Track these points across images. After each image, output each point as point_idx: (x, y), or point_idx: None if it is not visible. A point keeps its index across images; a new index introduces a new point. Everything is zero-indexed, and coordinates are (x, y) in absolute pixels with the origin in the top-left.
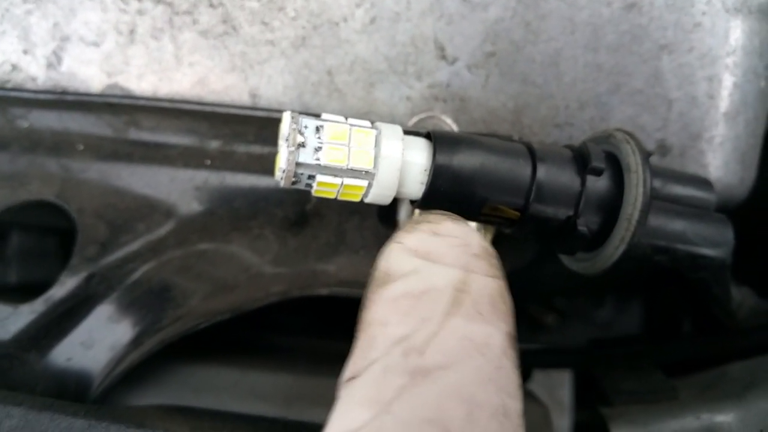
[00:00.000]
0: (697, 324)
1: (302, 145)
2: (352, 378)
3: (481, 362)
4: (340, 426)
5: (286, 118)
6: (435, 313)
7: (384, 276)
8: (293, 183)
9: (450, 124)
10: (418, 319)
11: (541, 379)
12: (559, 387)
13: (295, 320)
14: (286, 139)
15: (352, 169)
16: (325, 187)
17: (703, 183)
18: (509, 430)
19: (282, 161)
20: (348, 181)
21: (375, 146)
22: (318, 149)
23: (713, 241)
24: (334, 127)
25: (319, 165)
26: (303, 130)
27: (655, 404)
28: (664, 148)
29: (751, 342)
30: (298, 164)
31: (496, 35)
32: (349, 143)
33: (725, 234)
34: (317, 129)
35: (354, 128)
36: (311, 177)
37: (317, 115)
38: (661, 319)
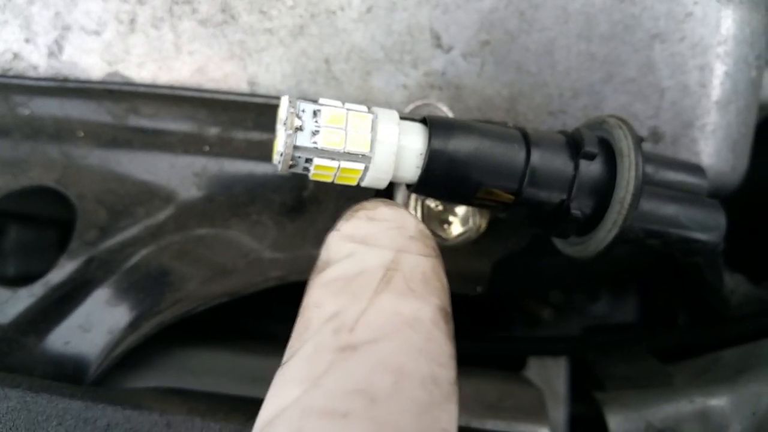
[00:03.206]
0: (692, 318)
1: (300, 128)
2: (288, 359)
3: (409, 334)
4: (273, 403)
5: (284, 102)
6: (365, 291)
7: (323, 264)
8: (291, 167)
9: (446, 112)
10: (349, 298)
11: (536, 368)
12: (554, 376)
13: (292, 309)
14: (284, 123)
15: (348, 153)
16: (322, 170)
17: (696, 169)
18: (438, 397)
19: (280, 144)
20: (345, 164)
21: (371, 130)
22: (315, 133)
23: (706, 226)
24: (332, 111)
25: (317, 148)
26: (300, 114)
27: (649, 389)
28: (656, 136)
29: (743, 328)
30: (295, 147)
31: (491, 24)
32: (346, 127)
33: (717, 219)
34: (315, 113)
35: (351, 112)
36: (308, 160)
37: (315, 101)
38: (656, 313)
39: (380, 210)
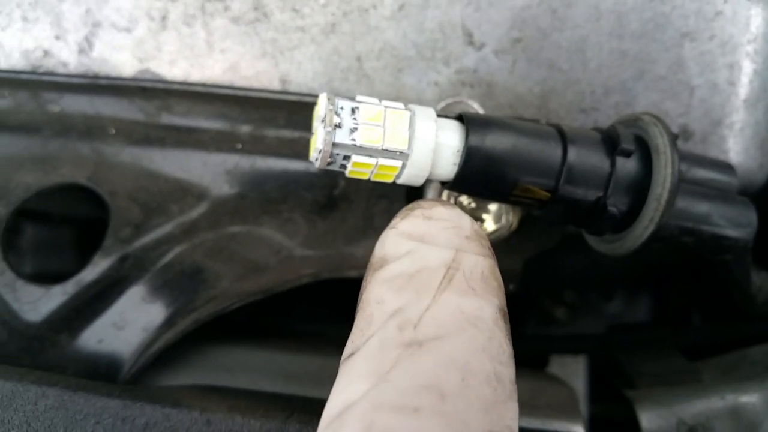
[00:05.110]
0: (707, 317)
1: (338, 125)
2: (352, 354)
3: (473, 333)
4: (341, 398)
5: (323, 99)
6: (428, 289)
7: (380, 260)
8: (329, 164)
9: (477, 109)
10: (412, 295)
11: (556, 365)
12: (574, 373)
13: (323, 310)
14: (323, 120)
15: (386, 150)
16: (360, 167)
17: (726, 167)
18: (502, 394)
19: (319, 142)
20: (382, 161)
21: (409, 127)
22: (354, 130)
23: (737, 223)
24: (370, 108)
25: (355, 145)
26: (339, 111)
27: (679, 385)
28: (686, 134)
29: None
30: (334, 144)
31: (523, 22)
32: (384, 124)
33: (749, 216)
34: (353, 110)
35: (389, 109)
36: (346, 157)
37: (352, 98)
38: (672, 312)
39: (437, 209)
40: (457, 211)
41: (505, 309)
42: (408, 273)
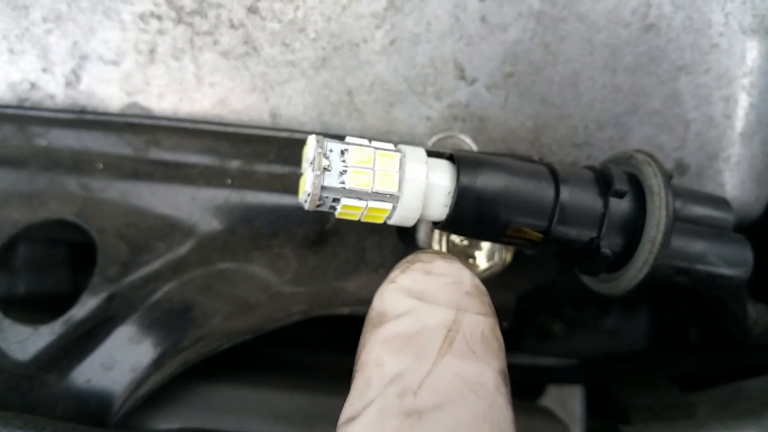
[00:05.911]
0: (704, 332)
1: (327, 168)
2: (350, 420)
3: (474, 400)
4: None
5: (311, 141)
6: (428, 353)
7: (379, 316)
8: (318, 206)
9: (469, 144)
10: (412, 359)
11: (553, 393)
12: (571, 400)
13: (316, 334)
14: (311, 163)
15: (376, 193)
16: (349, 210)
17: (722, 203)
18: None
19: (307, 185)
20: (372, 204)
21: (399, 169)
22: (343, 173)
23: (733, 262)
24: (359, 150)
25: (344, 188)
26: (328, 153)
27: (674, 422)
28: (681, 168)
29: (766, 358)
30: (323, 188)
31: (515, 56)
32: (373, 167)
33: (744, 254)
34: (342, 152)
35: (378, 151)
36: (336, 200)
37: (341, 138)
38: (669, 326)
39: (437, 263)
40: (457, 265)
41: (506, 371)
42: (407, 334)
